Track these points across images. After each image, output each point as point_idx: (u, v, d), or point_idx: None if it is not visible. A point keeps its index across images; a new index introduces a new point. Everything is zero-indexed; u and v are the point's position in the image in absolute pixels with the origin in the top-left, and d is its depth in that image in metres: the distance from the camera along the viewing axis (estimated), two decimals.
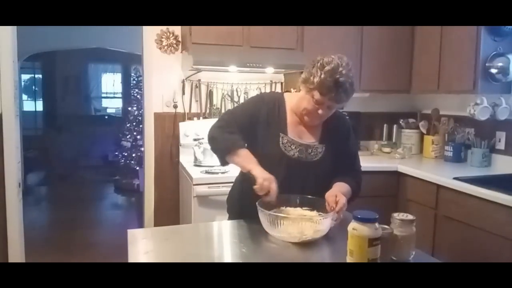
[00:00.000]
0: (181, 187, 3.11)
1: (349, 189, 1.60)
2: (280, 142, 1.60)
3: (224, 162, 1.62)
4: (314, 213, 1.51)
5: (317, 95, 1.52)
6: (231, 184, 1.87)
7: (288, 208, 1.51)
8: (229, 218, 1.76)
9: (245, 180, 1.57)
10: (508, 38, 2.64)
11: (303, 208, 1.53)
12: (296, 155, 1.60)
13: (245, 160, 1.52)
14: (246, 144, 1.58)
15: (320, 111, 1.55)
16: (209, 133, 1.65)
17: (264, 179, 1.43)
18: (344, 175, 1.64)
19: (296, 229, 1.39)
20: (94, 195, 6.18)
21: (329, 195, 1.50)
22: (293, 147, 1.61)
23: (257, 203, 1.43)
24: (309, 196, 1.55)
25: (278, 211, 1.47)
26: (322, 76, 1.49)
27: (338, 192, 1.51)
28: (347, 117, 1.82)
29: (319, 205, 1.52)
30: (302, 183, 1.59)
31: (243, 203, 1.68)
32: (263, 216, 1.43)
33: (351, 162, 1.72)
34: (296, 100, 1.64)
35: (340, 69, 1.48)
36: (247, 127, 1.61)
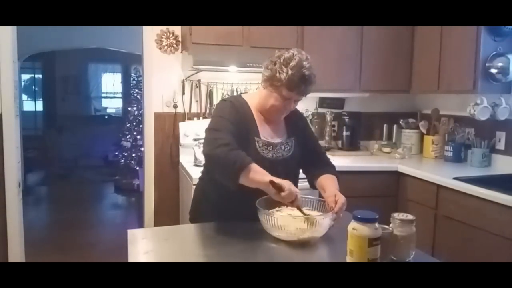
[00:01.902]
0: (181, 187, 3.11)
1: (336, 179, 1.69)
2: (257, 146, 1.60)
3: (236, 183, 1.43)
4: (316, 212, 1.53)
5: (285, 91, 1.55)
6: None
7: (287, 208, 1.52)
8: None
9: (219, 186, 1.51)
10: (508, 38, 2.64)
11: (304, 208, 1.54)
12: (274, 156, 1.62)
13: (262, 173, 1.43)
14: None
15: (287, 106, 1.61)
16: (210, 156, 1.50)
17: (290, 184, 1.40)
18: (320, 163, 1.75)
19: (295, 229, 1.39)
20: (94, 195, 6.19)
21: (328, 196, 1.52)
22: (270, 149, 1.62)
23: (256, 203, 1.43)
24: (308, 196, 1.58)
25: (277, 211, 1.48)
26: (289, 72, 1.51)
27: (337, 192, 1.54)
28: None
29: (317, 205, 1.56)
30: (284, 179, 1.60)
31: (228, 208, 1.60)
32: (263, 216, 1.43)
33: (316, 148, 1.81)
34: (259, 99, 1.65)
35: (304, 63, 1.53)
36: (236, 135, 1.53)
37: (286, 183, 1.40)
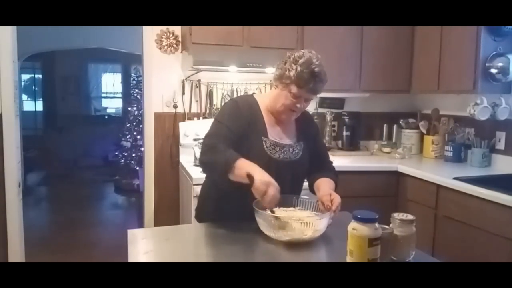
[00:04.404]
0: (181, 187, 3.11)
1: (334, 184, 1.68)
2: (264, 146, 1.59)
3: (227, 184, 1.47)
4: (309, 213, 1.53)
5: (294, 89, 1.54)
6: None
7: (283, 209, 1.51)
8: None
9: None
10: (508, 38, 2.64)
11: (297, 208, 1.55)
12: (282, 157, 1.61)
13: (246, 167, 1.43)
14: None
15: (298, 105, 1.59)
16: (200, 164, 1.61)
17: (261, 182, 1.38)
18: (323, 169, 1.74)
19: (293, 230, 1.39)
20: (94, 195, 6.18)
21: (323, 195, 1.53)
22: (277, 149, 1.61)
23: (253, 203, 1.42)
24: (304, 196, 1.59)
25: (273, 212, 1.46)
26: (298, 69, 1.52)
27: (331, 191, 1.54)
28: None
29: (312, 205, 1.55)
30: (291, 182, 1.61)
31: (228, 207, 1.62)
32: (260, 217, 1.42)
33: (324, 154, 1.82)
34: (269, 99, 1.66)
35: (314, 60, 1.53)
36: (234, 139, 1.55)
37: (258, 179, 1.38)
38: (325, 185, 1.63)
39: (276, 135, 1.64)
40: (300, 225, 1.40)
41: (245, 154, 1.51)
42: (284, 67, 1.56)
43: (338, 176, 1.76)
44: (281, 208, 1.51)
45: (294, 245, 1.38)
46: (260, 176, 1.40)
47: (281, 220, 1.40)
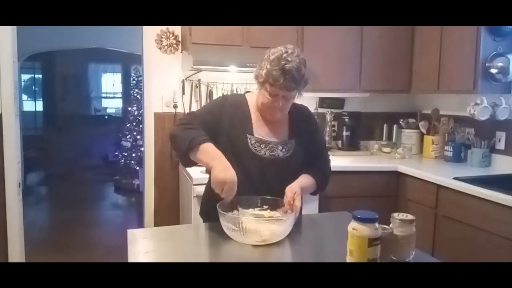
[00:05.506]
0: (181, 187, 3.11)
1: (313, 182, 1.63)
2: (249, 143, 1.58)
3: (187, 161, 1.51)
4: (274, 213, 1.48)
5: (268, 87, 1.54)
6: None
7: (248, 210, 1.48)
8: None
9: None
10: (508, 38, 2.64)
11: (264, 208, 1.49)
12: (268, 154, 1.59)
13: (208, 156, 1.44)
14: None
15: (275, 103, 1.56)
16: (170, 134, 1.61)
17: (221, 170, 1.39)
18: (310, 168, 1.65)
19: (257, 232, 1.35)
20: (94, 195, 6.18)
21: (289, 190, 1.49)
22: (263, 146, 1.59)
23: (217, 205, 1.40)
24: (270, 197, 1.52)
25: (237, 214, 1.44)
26: (268, 66, 1.51)
27: (298, 189, 1.50)
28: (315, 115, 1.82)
29: (280, 205, 1.50)
30: (280, 180, 1.55)
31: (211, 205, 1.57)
32: (224, 220, 1.38)
33: (319, 155, 1.73)
34: (255, 98, 1.66)
35: (285, 55, 1.50)
36: (211, 125, 1.56)
37: (221, 173, 1.38)
38: (298, 180, 1.56)
39: (264, 133, 1.62)
40: (263, 226, 1.36)
41: (229, 150, 1.52)
42: (260, 66, 1.56)
43: (328, 178, 1.71)
44: (249, 209, 1.47)
45: (294, 244, 1.38)
46: (220, 169, 1.39)
47: (243, 220, 1.37)
